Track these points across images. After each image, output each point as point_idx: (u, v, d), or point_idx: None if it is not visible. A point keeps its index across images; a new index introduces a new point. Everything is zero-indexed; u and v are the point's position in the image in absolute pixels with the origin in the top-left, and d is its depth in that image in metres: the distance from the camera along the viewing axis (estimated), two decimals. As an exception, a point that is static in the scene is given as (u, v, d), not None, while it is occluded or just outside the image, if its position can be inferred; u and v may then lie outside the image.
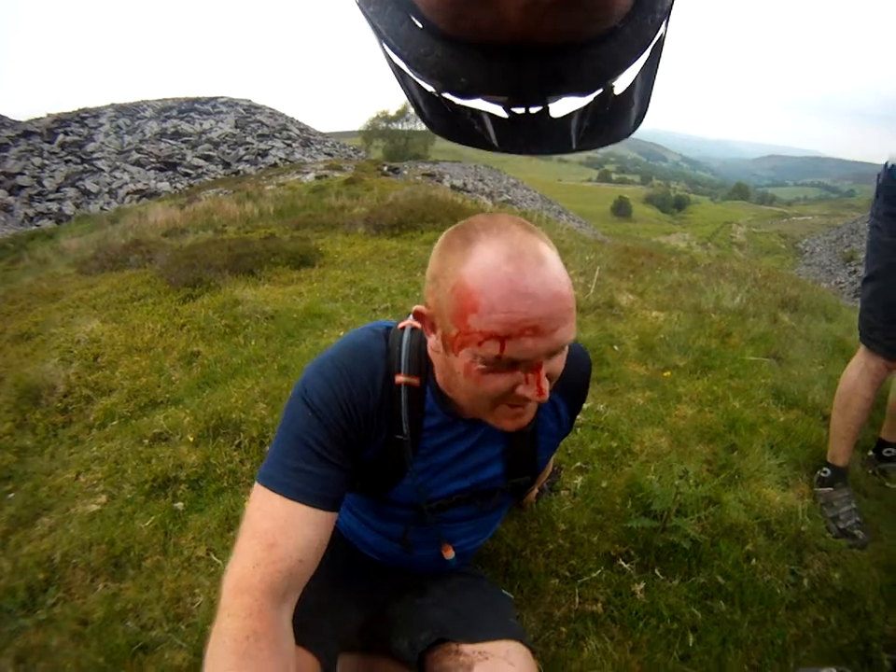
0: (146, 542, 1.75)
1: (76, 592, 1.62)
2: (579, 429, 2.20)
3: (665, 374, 2.71)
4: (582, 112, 0.28)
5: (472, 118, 0.29)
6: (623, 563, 1.58)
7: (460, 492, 0.97)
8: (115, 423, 2.58)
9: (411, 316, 0.91)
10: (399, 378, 0.86)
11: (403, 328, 0.91)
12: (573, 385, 1.00)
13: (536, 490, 1.73)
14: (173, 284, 4.56)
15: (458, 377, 0.76)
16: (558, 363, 0.75)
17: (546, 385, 0.72)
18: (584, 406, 2.34)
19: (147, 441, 2.31)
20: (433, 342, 0.80)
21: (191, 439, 2.25)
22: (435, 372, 0.87)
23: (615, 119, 0.29)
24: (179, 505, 1.91)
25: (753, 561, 1.59)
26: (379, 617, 1.10)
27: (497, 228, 0.71)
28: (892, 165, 1.58)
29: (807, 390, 2.54)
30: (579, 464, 2.00)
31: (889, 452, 2.03)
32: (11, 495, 2.18)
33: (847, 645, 1.41)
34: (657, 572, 1.55)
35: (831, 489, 1.87)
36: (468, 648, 0.93)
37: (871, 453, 2.09)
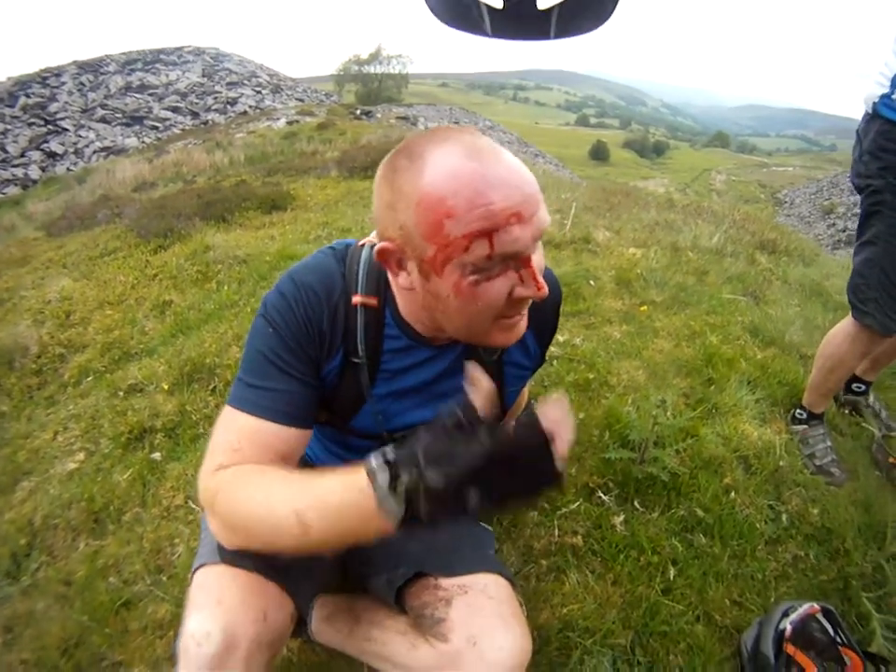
0: (124, 496, 1.73)
1: (58, 553, 1.61)
2: (555, 361, 2.18)
3: (642, 309, 2.68)
4: (562, 3, 0.33)
5: (473, 3, 0.34)
6: (601, 495, 1.57)
7: (424, 422, 0.95)
8: (90, 379, 2.55)
9: (373, 234, 0.86)
10: (356, 299, 0.81)
11: (363, 245, 0.86)
12: (540, 315, 0.94)
13: (513, 423, 1.73)
14: (143, 236, 4.49)
15: (448, 302, 0.69)
16: (541, 256, 0.71)
17: (542, 279, 0.68)
18: (560, 339, 2.34)
19: (122, 393, 2.28)
20: (404, 279, 0.72)
21: (166, 387, 2.22)
22: (398, 302, 0.82)
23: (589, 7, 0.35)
24: (157, 455, 1.89)
25: (732, 494, 1.59)
26: (356, 554, 1.09)
27: (441, 136, 0.67)
28: (880, 98, 1.41)
29: (785, 329, 2.54)
30: (555, 396, 2.00)
31: (858, 387, 2.02)
32: None
33: (827, 581, 1.41)
34: (636, 504, 1.54)
35: (806, 427, 1.87)
36: (446, 582, 0.91)
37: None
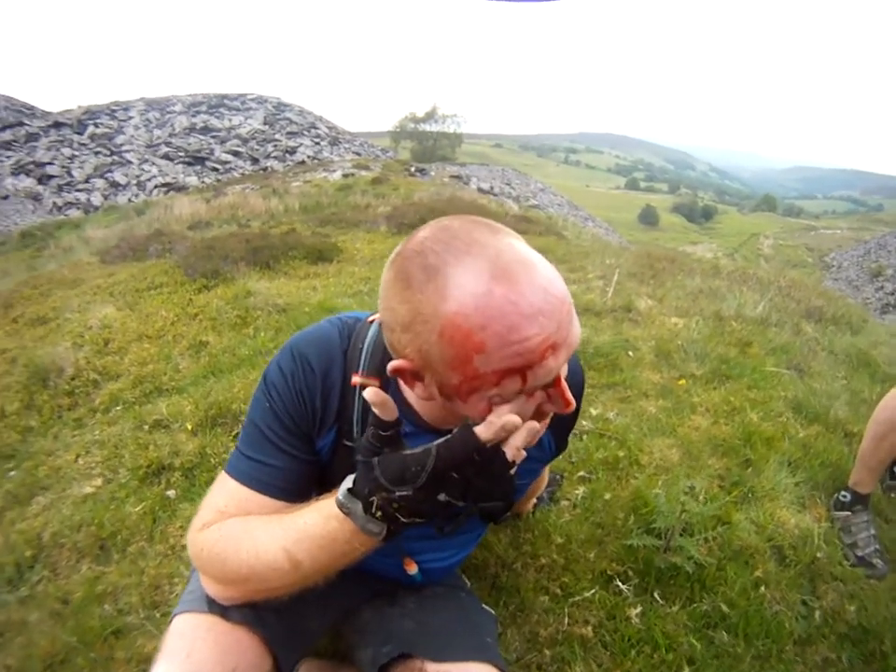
0: (133, 527, 1.76)
1: (60, 571, 1.66)
2: (585, 436, 2.10)
3: (680, 382, 2.58)
4: None
5: None
6: (619, 583, 1.47)
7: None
8: (119, 408, 2.61)
9: None
10: (356, 379, 0.78)
11: (372, 321, 0.83)
12: None
13: (533, 500, 1.64)
14: (189, 274, 4.62)
15: (472, 417, 0.65)
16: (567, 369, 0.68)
17: (570, 395, 0.64)
18: (593, 412, 2.27)
19: (147, 427, 2.33)
20: (421, 391, 0.67)
21: (190, 427, 2.26)
22: (402, 389, 0.78)
23: None
24: (171, 493, 1.91)
25: (762, 589, 1.47)
26: (350, 622, 1.03)
27: (459, 241, 0.59)
28: None
29: (830, 405, 2.41)
30: (582, 473, 1.90)
31: None
32: (12, 472, 2.24)
33: (860, 689, 1.30)
34: (656, 596, 1.44)
35: (849, 514, 1.73)
36: (432, 667, 0.85)
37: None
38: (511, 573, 1.49)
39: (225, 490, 0.78)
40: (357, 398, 0.79)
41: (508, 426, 0.58)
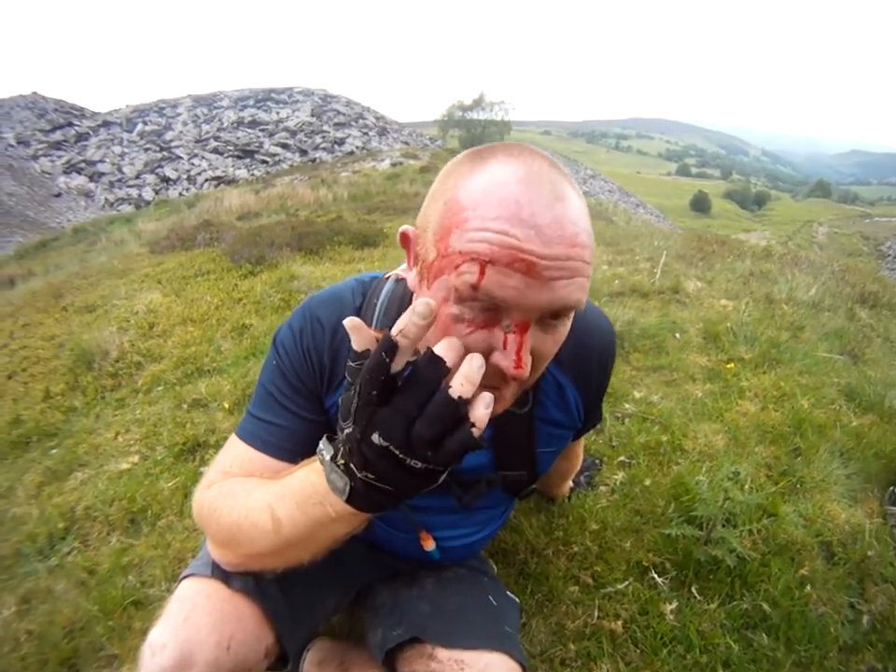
0: (165, 502, 1.80)
1: (91, 543, 1.71)
2: (627, 420, 2.03)
3: (729, 366, 2.47)
4: None
5: None
6: (655, 576, 1.38)
7: None
8: (160, 388, 2.68)
9: (401, 267, 0.80)
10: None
11: (389, 278, 0.81)
12: (582, 363, 0.82)
13: (569, 483, 1.56)
14: (235, 261, 4.71)
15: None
16: (552, 341, 0.59)
17: (527, 358, 0.55)
18: (636, 395, 2.20)
19: (185, 406, 2.40)
20: (412, 279, 0.64)
21: (227, 406, 2.30)
22: None
23: None
24: (204, 469, 1.93)
25: (808, 588, 1.35)
26: (365, 602, 1.00)
27: (520, 150, 0.57)
28: None
29: (885, 393, 2.26)
30: (622, 458, 1.83)
31: None
32: (54, 450, 2.33)
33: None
34: (694, 591, 1.34)
35: None
36: (443, 653, 0.81)
37: None
38: (541, 560, 1.43)
39: (232, 451, 0.77)
40: None
41: (422, 314, 0.47)
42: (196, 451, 2.06)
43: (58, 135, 20.90)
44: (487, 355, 0.54)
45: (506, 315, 0.54)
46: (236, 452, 0.77)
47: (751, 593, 1.33)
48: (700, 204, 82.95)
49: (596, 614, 1.30)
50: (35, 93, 22.92)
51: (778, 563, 1.40)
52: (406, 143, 23.90)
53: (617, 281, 3.60)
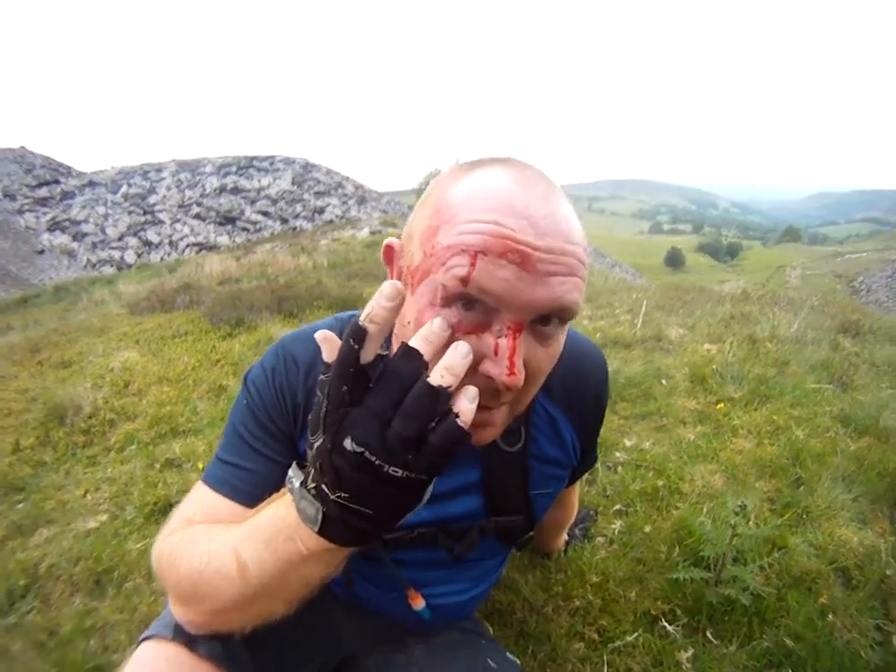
0: (133, 564, 1.72)
1: (53, 603, 1.64)
2: (619, 468, 1.98)
3: (719, 407, 2.46)
4: None
5: None
6: (666, 624, 1.30)
7: (422, 525, 0.76)
8: (133, 447, 2.60)
9: None
10: None
11: None
12: (575, 394, 0.77)
13: (564, 536, 1.49)
14: (214, 322, 4.69)
15: (407, 333, 0.53)
16: (546, 354, 0.54)
17: (521, 366, 0.50)
18: (627, 443, 2.17)
19: (158, 465, 2.32)
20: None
21: (201, 466, 2.23)
22: None
23: None
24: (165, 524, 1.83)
25: (830, 617, 1.29)
26: (348, 667, 0.90)
27: (510, 159, 0.56)
28: None
29: (878, 415, 2.27)
30: (618, 506, 1.77)
31: None
32: (20, 505, 2.24)
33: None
34: (709, 635, 1.27)
35: None
36: None
37: None
38: (541, 618, 1.34)
39: (197, 498, 0.70)
40: None
41: (389, 295, 0.43)
42: (167, 511, 1.94)
43: (44, 192, 21.06)
44: (476, 365, 0.49)
45: (497, 319, 0.50)
46: (201, 499, 0.69)
47: (771, 629, 1.26)
48: (674, 260, 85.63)
49: (606, 670, 1.20)
50: (23, 148, 23.16)
51: (795, 595, 1.33)
52: (385, 211, 24.40)
53: (599, 334, 3.64)
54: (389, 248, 0.60)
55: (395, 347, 0.61)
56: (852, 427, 2.23)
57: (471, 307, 0.49)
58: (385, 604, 0.85)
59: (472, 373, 0.49)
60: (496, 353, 0.49)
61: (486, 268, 0.47)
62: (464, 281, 0.48)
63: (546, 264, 0.48)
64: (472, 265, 0.47)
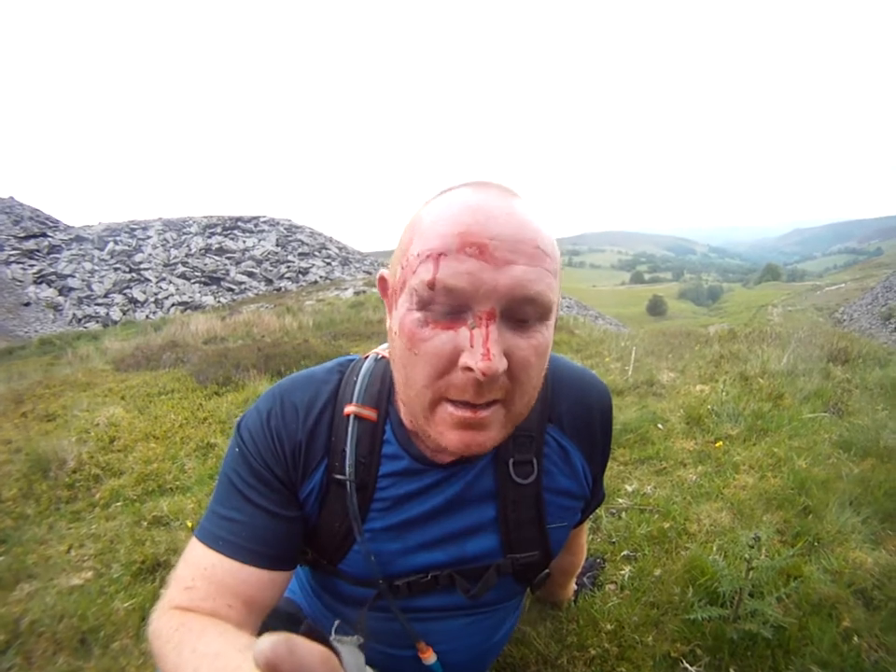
0: (120, 624, 1.63)
1: (35, 661, 1.55)
2: (623, 514, 1.95)
3: (717, 445, 2.46)
4: None
5: None
6: (687, 666, 1.24)
7: (436, 567, 0.73)
8: (119, 504, 2.53)
9: (381, 346, 0.77)
10: (349, 408, 0.69)
11: (368, 356, 0.76)
12: (584, 423, 0.77)
13: (573, 586, 1.44)
14: (201, 381, 4.65)
15: (395, 345, 0.58)
16: (529, 346, 0.55)
17: (495, 349, 0.51)
18: (628, 489, 2.16)
19: (145, 523, 2.25)
20: (389, 321, 0.62)
21: (190, 524, 2.17)
22: (401, 415, 0.69)
23: None
24: (165, 591, 1.73)
25: (854, 639, 1.26)
26: None
27: (483, 182, 0.59)
28: None
29: (878, 436, 2.29)
30: (625, 552, 1.72)
31: None
32: (1, 557, 2.16)
33: None
34: (733, 672, 1.23)
35: None
36: None
37: None
38: (556, 670, 1.28)
39: (192, 559, 0.66)
40: (350, 428, 0.69)
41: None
42: (156, 570, 1.88)
43: (31, 244, 20.99)
44: (455, 361, 0.53)
45: (470, 314, 0.52)
46: (196, 560, 0.66)
47: (797, 659, 1.22)
48: (657, 308, 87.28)
49: (628, 723, 1.14)
50: (11, 198, 23.21)
51: (817, 622, 1.29)
52: (368, 272, 24.62)
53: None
54: (382, 280, 0.64)
55: (390, 354, 0.62)
56: (853, 450, 2.24)
57: (445, 307, 0.52)
58: (396, 665, 0.81)
59: (454, 370, 0.52)
60: (471, 344, 0.52)
61: (448, 266, 0.51)
62: (430, 284, 0.51)
63: (504, 252, 0.51)
64: (436, 268, 0.51)
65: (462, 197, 0.54)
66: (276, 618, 0.84)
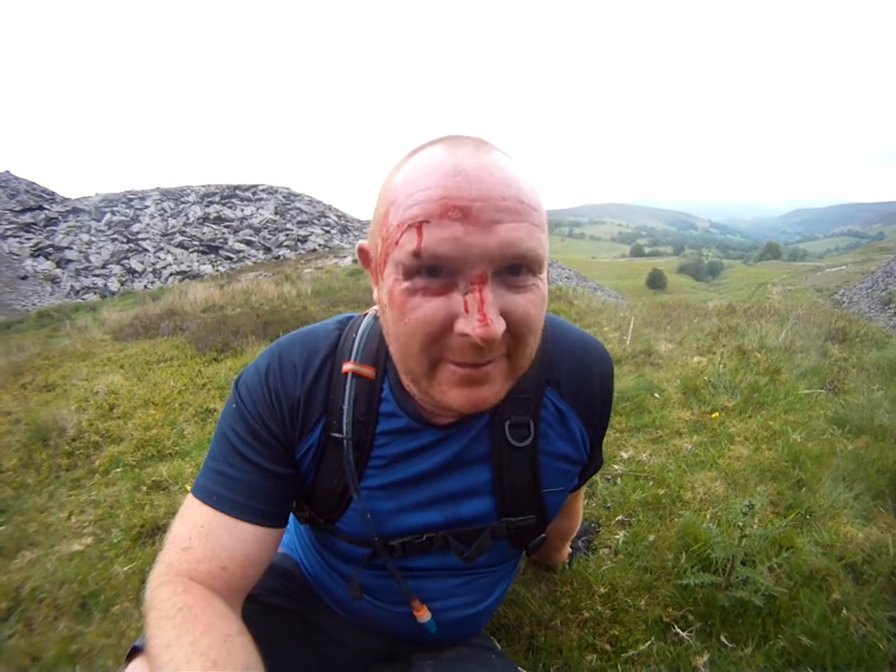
0: (120, 588, 1.64)
1: (36, 627, 1.56)
2: (619, 479, 1.96)
3: (713, 416, 2.46)
4: None
5: None
6: (679, 630, 1.27)
7: (431, 528, 0.74)
8: (119, 470, 2.55)
9: None
10: (347, 366, 0.69)
11: (367, 313, 0.75)
12: (583, 387, 0.75)
13: (567, 549, 1.45)
14: (199, 348, 4.65)
15: (386, 317, 0.57)
16: (526, 301, 0.54)
17: (492, 313, 0.51)
18: (623, 455, 2.17)
19: (145, 488, 2.26)
20: (376, 294, 0.61)
21: (189, 488, 2.12)
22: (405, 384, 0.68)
23: None
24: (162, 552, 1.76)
25: (843, 612, 1.27)
26: None
27: (452, 136, 0.57)
28: None
29: (872, 415, 2.30)
30: (620, 517, 1.74)
31: None
32: (2, 526, 2.18)
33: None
34: (724, 639, 1.23)
35: None
36: None
37: None
38: (550, 631, 1.29)
39: (189, 517, 0.66)
40: (348, 386, 0.68)
41: None
42: (155, 534, 1.91)
43: (28, 217, 20.89)
44: (450, 327, 0.52)
45: (461, 279, 0.51)
46: (192, 517, 0.66)
47: (786, 629, 1.23)
48: (656, 282, 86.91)
49: (621, 682, 1.16)
50: (7, 172, 23.02)
51: (808, 593, 1.31)
52: (367, 240, 24.47)
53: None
54: (362, 251, 0.63)
55: (385, 327, 0.60)
56: (847, 427, 2.25)
57: (435, 273, 0.51)
58: (391, 620, 0.82)
59: (450, 335, 0.52)
60: (466, 310, 0.51)
61: (433, 234, 0.49)
62: (416, 254, 0.50)
63: (489, 212, 0.50)
64: (419, 236, 0.50)
65: (437, 157, 0.52)
66: (273, 574, 0.85)
